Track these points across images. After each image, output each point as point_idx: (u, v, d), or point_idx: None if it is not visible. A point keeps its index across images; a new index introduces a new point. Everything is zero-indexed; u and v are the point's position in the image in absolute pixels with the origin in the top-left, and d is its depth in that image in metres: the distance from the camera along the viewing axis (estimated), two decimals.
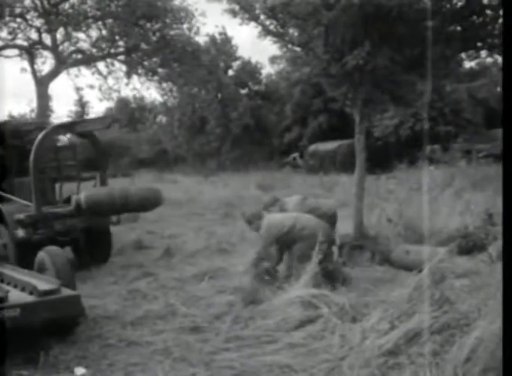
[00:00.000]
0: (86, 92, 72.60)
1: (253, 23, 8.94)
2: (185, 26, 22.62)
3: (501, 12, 8.02)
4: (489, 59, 30.47)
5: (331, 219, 7.59)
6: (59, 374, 4.09)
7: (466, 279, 6.00)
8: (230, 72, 39.02)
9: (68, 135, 10.28)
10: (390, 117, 26.83)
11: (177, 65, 22.81)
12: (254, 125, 37.63)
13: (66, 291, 4.68)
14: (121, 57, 23.36)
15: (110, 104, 57.03)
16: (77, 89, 27.38)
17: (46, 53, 22.62)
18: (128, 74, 23.52)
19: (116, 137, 47.00)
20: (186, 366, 4.15)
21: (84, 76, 65.37)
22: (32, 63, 21.86)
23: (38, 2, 20.80)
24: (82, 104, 58.53)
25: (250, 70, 39.28)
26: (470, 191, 12.63)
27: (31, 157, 6.94)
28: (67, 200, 7.75)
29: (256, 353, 4.33)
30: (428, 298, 4.28)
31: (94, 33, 22.31)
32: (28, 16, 21.49)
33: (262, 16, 8.80)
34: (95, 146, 7.94)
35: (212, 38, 35.32)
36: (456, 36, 8.25)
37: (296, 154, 33.91)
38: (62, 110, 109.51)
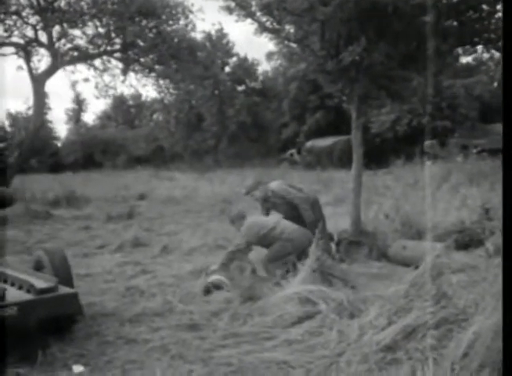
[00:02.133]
0: (82, 89, 72.67)
1: (249, 20, 8.93)
2: (181, 22, 22.51)
3: (498, 7, 8.03)
4: (486, 54, 30.65)
5: (314, 205, 7.58)
6: (56, 372, 4.08)
7: (463, 274, 6.02)
8: (227, 69, 38.96)
9: None
10: (387, 113, 26.84)
11: (173, 62, 22.73)
12: (250, 122, 37.61)
13: (63, 289, 4.65)
14: (117, 54, 23.26)
15: (107, 101, 57.13)
16: (73, 84, 27.34)
17: (42, 51, 22.50)
18: (125, 71, 23.42)
19: (112, 135, 47.07)
20: (184, 364, 4.14)
21: (81, 72, 65.32)
22: (28, 60, 21.74)
23: None
24: (79, 101, 58.78)
25: (246, 67, 39.23)
26: (467, 186, 12.64)
27: None
28: None
29: (254, 350, 4.32)
30: (425, 293, 4.28)
31: (90, 30, 22.21)
32: (24, 13, 21.37)
33: (258, 13, 8.79)
34: None
35: (208, 35, 35.23)
36: (452, 31, 8.25)
37: (293, 150, 33.84)
38: (59, 108, 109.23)
